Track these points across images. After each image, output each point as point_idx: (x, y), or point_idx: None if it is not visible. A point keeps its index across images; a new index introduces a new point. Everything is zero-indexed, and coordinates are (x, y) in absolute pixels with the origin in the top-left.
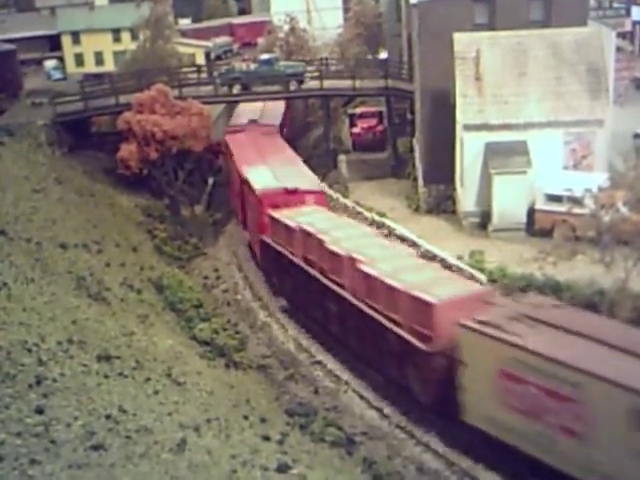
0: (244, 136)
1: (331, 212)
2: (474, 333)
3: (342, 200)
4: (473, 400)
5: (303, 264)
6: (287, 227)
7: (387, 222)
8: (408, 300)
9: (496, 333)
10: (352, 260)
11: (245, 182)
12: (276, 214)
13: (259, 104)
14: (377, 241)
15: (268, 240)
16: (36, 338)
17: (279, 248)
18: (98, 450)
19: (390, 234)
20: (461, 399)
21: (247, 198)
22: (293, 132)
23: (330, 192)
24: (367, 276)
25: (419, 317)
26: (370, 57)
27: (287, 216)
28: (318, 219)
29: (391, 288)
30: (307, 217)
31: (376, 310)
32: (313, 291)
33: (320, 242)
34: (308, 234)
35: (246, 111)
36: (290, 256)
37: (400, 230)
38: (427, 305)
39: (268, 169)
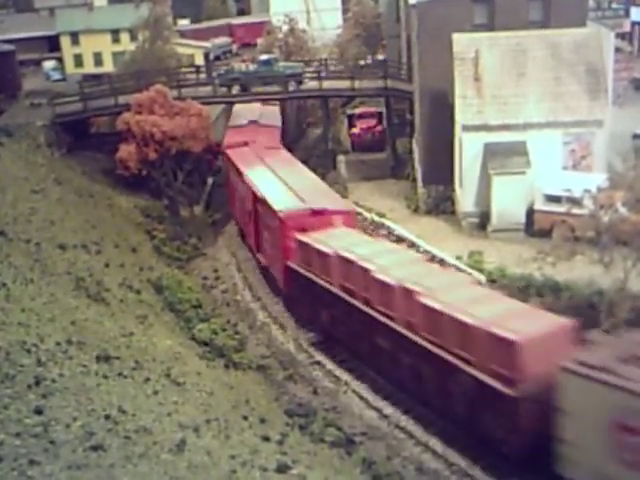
0: (249, 150)
1: (364, 234)
2: (579, 377)
3: (374, 219)
4: (577, 453)
5: (342, 294)
6: (320, 253)
7: (386, 222)
8: (484, 337)
9: (608, 378)
10: (407, 291)
11: (261, 202)
12: (305, 238)
13: (255, 111)
14: (428, 268)
15: (295, 267)
16: (35, 339)
17: (310, 275)
18: (97, 450)
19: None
20: (560, 451)
21: (263, 219)
22: (288, 137)
23: (360, 211)
24: (429, 309)
25: (499, 356)
26: (369, 58)
27: (318, 240)
28: (354, 243)
29: (462, 323)
30: (341, 241)
31: (441, 347)
32: (355, 324)
33: (365, 270)
34: (348, 261)
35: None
36: (325, 284)
37: (400, 230)
38: (509, 343)
39: (285, 187)
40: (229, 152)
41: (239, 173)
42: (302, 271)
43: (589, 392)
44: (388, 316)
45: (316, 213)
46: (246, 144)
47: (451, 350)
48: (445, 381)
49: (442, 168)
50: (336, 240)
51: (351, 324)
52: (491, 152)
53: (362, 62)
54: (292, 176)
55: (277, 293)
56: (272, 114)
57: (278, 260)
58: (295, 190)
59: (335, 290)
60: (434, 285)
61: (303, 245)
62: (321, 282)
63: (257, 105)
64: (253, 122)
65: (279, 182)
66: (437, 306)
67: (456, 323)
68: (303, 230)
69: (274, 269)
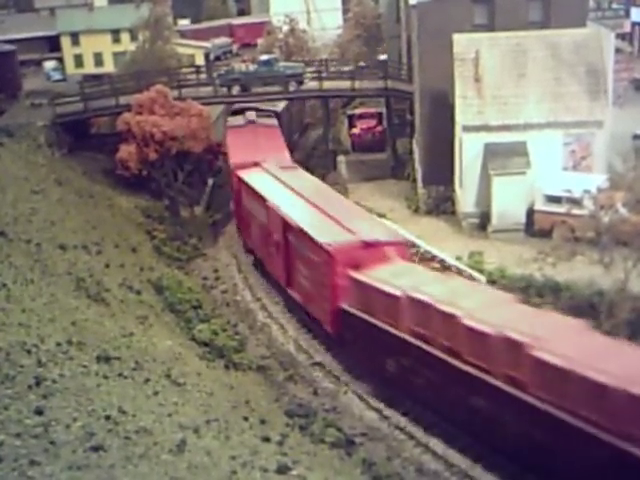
0: (263, 171)
1: (429, 269)
2: None
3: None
4: None
5: (414, 341)
6: (384, 294)
7: (387, 223)
8: (632, 402)
9: None
10: (511, 342)
11: (295, 232)
12: (362, 277)
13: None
14: (524, 310)
15: (349, 309)
16: (35, 339)
17: (370, 319)
18: (97, 451)
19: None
20: None
21: (298, 252)
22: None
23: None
24: (544, 365)
25: None
26: (369, 58)
27: (379, 278)
28: (423, 281)
29: (598, 385)
30: (406, 278)
31: (578, 416)
32: (433, 376)
33: (448, 315)
34: (423, 304)
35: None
36: (391, 330)
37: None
38: None
39: (322, 214)
40: (241, 174)
41: (259, 198)
42: (359, 314)
43: None
44: (483, 369)
45: (368, 245)
46: (257, 164)
47: (583, 415)
48: (591, 455)
49: (442, 168)
50: (400, 277)
51: (427, 376)
52: (491, 152)
53: (362, 64)
54: (324, 201)
55: (316, 333)
56: (271, 128)
57: (324, 300)
58: (335, 218)
59: (404, 336)
60: (543, 334)
61: (360, 284)
62: (386, 327)
63: (253, 116)
64: (254, 139)
65: (312, 208)
66: (558, 362)
67: (589, 384)
68: (355, 266)
69: (316, 309)
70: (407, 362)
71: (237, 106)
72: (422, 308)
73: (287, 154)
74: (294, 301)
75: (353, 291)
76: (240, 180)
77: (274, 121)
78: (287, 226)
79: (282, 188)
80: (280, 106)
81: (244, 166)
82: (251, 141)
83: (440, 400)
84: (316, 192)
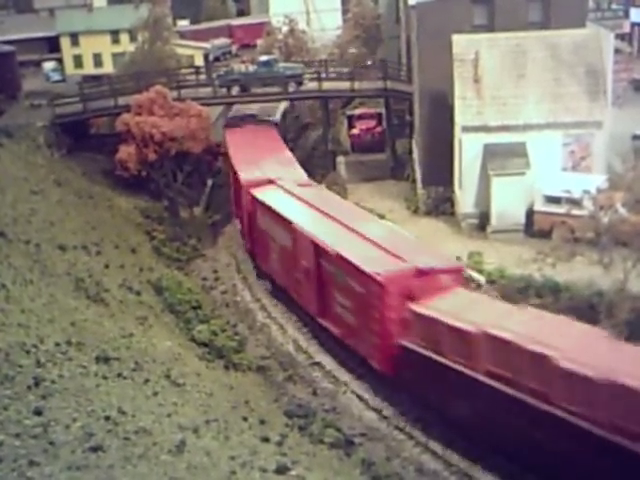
0: (280, 189)
1: (499, 299)
2: None
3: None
4: None
5: (493, 382)
6: (453, 329)
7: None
8: None
9: None
10: (620, 388)
11: (332, 259)
12: (423, 309)
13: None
14: (624, 349)
15: (412, 346)
16: (35, 339)
17: (434, 357)
18: (97, 451)
19: None
20: None
21: (336, 280)
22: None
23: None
24: None
25: None
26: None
27: (443, 311)
28: (496, 314)
29: None
30: (475, 311)
31: None
32: (519, 423)
33: (538, 356)
34: (503, 342)
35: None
36: (463, 370)
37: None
38: None
39: (361, 238)
40: (256, 194)
41: (280, 220)
42: (421, 351)
43: None
44: (586, 417)
45: (423, 273)
46: (272, 182)
47: None
48: None
49: (442, 169)
50: (469, 310)
51: (506, 420)
52: (491, 153)
53: (360, 65)
54: (358, 222)
55: (352, 366)
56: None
57: (372, 334)
58: (377, 242)
59: (479, 377)
60: None
61: (422, 318)
62: (456, 366)
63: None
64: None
65: (347, 231)
66: None
67: None
68: (409, 296)
69: (360, 344)
70: (481, 405)
71: (232, 115)
72: (503, 347)
73: (300, 169)
74: (327, 332)
75: (414, 326)
76: (255, 200)
77: (275, 132)
78: (320, 252)
79: (306, 208)
80: (278, 114)
81: (257, 184)
82: (259, 156)
83: (521, 447)
84: (346, 212)
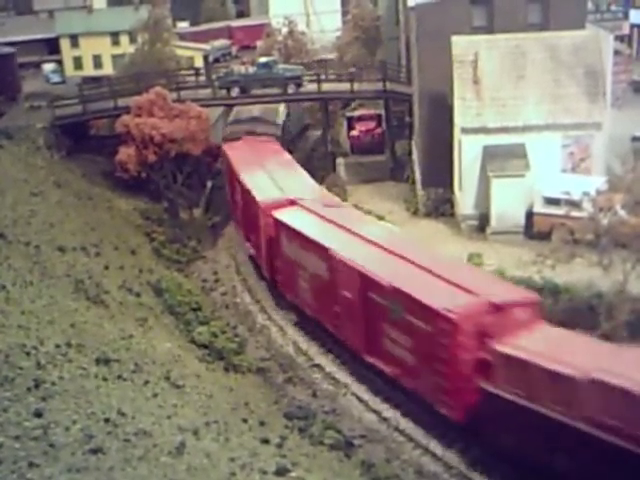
0: (305, 211)
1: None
2: None
3: None
4: None
5: (601, 434)
6: (551, 374)
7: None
8: None
9: None
10: None
11: (386, 292)
12: (509, 350)
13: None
14: None
15: (496, 391)
16: (35, 341)
17: (524, 403)
18: (97, 453)
19: None
20: None
21: (387, 316)
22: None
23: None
24: None
25: None
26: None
27: (534, 352)
28: (601, 355)
29: None
30: (573, 352)
31: None
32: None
33: None
34: (616, 390)
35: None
36: (562, 418)
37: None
38: None
39: (413, 266)
40: (280, 217)
41: (313, 246)
42: (506, 396)
43: None
44: None
45: (498, 308)
46: (293, 203)
47: None
48: None
49: (441, 170)
50: (565, 351)
51: (617, 476)
52: (490, 155)
53: (357, 67)
54: (407, 249)
55: (407, 410)
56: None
57: (440, 377)
58: (438, 273)
59: (583, 427)
60: None
61: (508, 359)
62: (553, 415)
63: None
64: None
65: (397, 259)
66: None
67: None
68: (485, 334)
69: (423, 386)
70: (580, 456)
71: (230, 125)
72: (614, 394)
73: (317, 185)
74: (374, 370)
75: (497, 368)
76: (278, 224)
77: (279, 146)
78: (369, 283)
79: (341, 232)
80: (278, 126)
81: (277, 206)
82: (270, 174)
83: None
84: (388, 237)
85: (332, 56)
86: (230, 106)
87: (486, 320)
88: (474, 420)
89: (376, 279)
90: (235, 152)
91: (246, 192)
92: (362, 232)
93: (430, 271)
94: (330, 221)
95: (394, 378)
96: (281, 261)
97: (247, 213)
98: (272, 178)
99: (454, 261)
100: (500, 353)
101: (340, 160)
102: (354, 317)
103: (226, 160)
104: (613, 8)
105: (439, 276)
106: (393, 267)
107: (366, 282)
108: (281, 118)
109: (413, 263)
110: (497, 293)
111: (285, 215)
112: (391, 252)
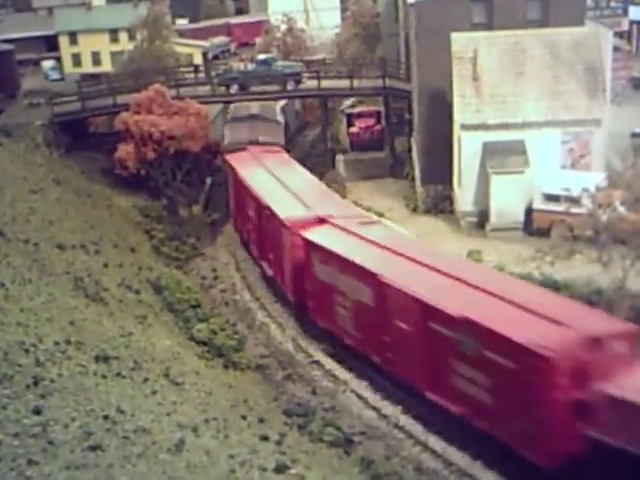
0: (339, 229)
1: None
2: None
3: None
4: None
5: None
6: None
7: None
8: None
9: None
10: None
11: (458, 326)
12: (619, 392)
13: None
14: None
15: (602, 437)
16: (34, 339)
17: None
18: (96, 451)
19: None
20: None
21: (458, 351)
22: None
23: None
24: None
25: None
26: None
27: None
28: None
29: None
30: None
31: None
32: None
33: None
34: None
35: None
36: None
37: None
38: None
39: (483, 294)
40: (310, 237)
41: (356, 271)
42: (612, 442)
43: None
44: None
45: (596, 342)
46: (323, 221)
47: None
48: None
49: (441, 167)
50: None
51: None
52: (490, 151)
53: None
54: (471, 272)
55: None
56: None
57: (527, 419)
58: (514, 300)
59: None
60: None
61: (618, 403)
62: None
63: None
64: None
65: (463, 285)
66: None
67: None
68: (584, 373)
69: (502, 428)
70: None
71: (231, 140)
72: None
73: (342, 200)
74: (438, 408)
75: (601, 410)
76: (309, 245)
77: (287, 155)
78: (431, 313)
79: (387, 254)
80: (281, 134)
81: (306, 225)
82: (289, 188)
83: None
84: (441, 258)
85: (329, 56)
86: (229, 103)
87: (584, 356)
88: (569, 467)
89: (442, 309)
90: (242, 164)
91: (264, 208)
92: (412, 254)
93: (504, 298)
94: (370, 241)
95: (465, 418)
96: (313, 285)
97: (265, 231)
98: (293, 193)
99: (530, 286)
100: (603, 394)
101: (339, 157)
102: (411, 350)
103: (232, 173)
104: (612, 4)
105: (518, 305)
106: (459, 294)
107: (427, 312)
108: (280, 114)
109: (482, 289)
110: (592, 324)
111: (317, 235)
112: (451, 276)
